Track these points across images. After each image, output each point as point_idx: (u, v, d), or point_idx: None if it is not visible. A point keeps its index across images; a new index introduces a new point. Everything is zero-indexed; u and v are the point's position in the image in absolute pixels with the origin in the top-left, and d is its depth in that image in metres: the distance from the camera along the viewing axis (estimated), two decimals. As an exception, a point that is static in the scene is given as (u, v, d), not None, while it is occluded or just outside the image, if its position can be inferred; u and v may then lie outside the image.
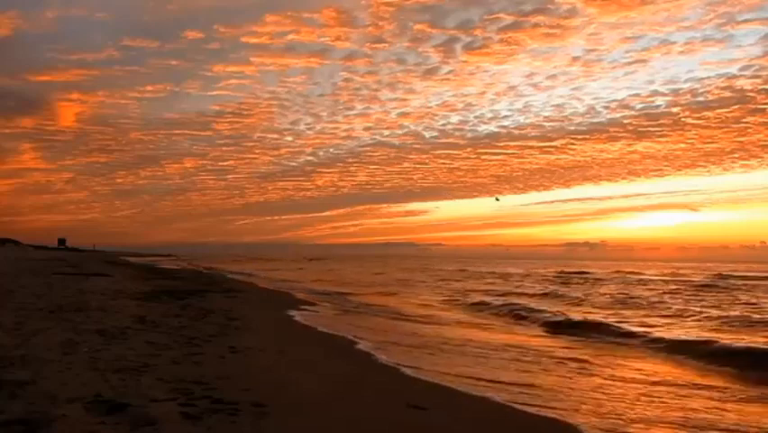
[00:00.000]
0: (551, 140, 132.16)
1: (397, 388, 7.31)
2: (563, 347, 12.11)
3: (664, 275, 47.81)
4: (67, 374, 6.36)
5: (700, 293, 26.97)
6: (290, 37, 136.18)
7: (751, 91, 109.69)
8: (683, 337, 12.94)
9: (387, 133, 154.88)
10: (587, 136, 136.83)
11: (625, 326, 14.85)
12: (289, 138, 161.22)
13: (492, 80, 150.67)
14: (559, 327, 15.16)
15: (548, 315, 17.25)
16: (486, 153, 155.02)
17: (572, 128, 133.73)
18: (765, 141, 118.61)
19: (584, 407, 6.89)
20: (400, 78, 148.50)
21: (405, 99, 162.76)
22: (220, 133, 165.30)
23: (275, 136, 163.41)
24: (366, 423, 5.47)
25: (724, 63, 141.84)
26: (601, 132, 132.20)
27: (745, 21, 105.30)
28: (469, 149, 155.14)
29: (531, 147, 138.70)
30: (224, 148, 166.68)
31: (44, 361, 6.96)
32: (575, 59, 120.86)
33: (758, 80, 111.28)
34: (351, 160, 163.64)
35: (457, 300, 23.50)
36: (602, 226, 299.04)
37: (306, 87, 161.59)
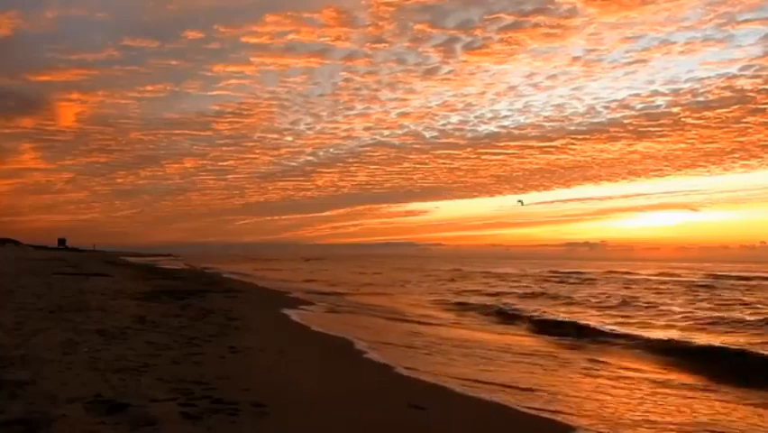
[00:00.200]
0: (551, 140, 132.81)
1: (396, 388, 7.32)
2: (545, 346, 12.49)
3: (658, 275, 48.05)
4: (67, 374, 6.37)
5: (689, 293, 27.00)
6: (290, 37, 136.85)
7: (751, 91, 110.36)
8: (660, 336, 13.36)
9: (387, 133, 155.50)
10: (587, 136, 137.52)
11: (608, 326, 15.19)
12: (289, 138, 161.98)
13: (492, 80, 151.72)
14: (544, 327, 15.37)
15: (535, 314, 17.66)
16: (486, 153, 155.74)
17: (572, 128, 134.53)
18: (765, 141, 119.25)
19: (583, 407, 6.90)
20: (400, 78, 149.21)
21: (405, 99, 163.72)
22: (220, 133, 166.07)
23: (275, 136, 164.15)
24: (366, 423, 5.48)
25: (724, 63, 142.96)
26: (601, 132, 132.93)
27: (746, 21, 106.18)
28: (469, 149, 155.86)
29: (531, 147, 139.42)
30: (224, 148, 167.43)
31: (44, 361, 6.96)
32: (575, 59, 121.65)
33: (758, 80, 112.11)
34: (351, 160, 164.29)
35: (446, 301, 23.64)
36: (602, 226, 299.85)
37: (306, 87, 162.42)
